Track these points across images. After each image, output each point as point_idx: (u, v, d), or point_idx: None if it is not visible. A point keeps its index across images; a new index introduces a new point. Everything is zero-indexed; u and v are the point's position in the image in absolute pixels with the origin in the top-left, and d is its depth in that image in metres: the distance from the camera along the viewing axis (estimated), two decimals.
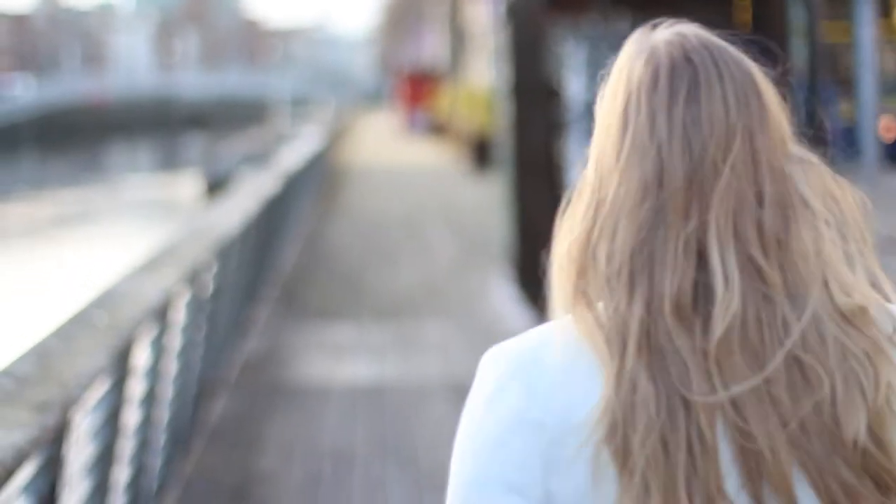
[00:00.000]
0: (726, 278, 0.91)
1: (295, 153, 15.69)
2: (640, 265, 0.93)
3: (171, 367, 5.04)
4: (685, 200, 0.93)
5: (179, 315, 5.15)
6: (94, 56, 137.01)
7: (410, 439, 5.67)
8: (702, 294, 0.92)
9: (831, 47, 15.13)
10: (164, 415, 4.89)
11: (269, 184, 9.60)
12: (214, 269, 6.19)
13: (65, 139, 78.22)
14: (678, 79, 0.96)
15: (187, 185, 39.12)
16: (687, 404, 0.89)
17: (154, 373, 4.57)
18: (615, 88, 0.99)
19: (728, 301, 0.91)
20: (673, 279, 0.92)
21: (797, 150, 0.97)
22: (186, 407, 5.60)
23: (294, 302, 9.51)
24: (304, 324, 8.39)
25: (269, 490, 5.06)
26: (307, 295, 9.88)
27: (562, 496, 0.93)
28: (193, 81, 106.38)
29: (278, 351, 7.81)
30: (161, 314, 4.31)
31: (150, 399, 4.50)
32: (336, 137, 29.88)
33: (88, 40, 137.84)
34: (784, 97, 0.98)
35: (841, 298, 0.93)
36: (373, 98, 79.82)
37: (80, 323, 3.46)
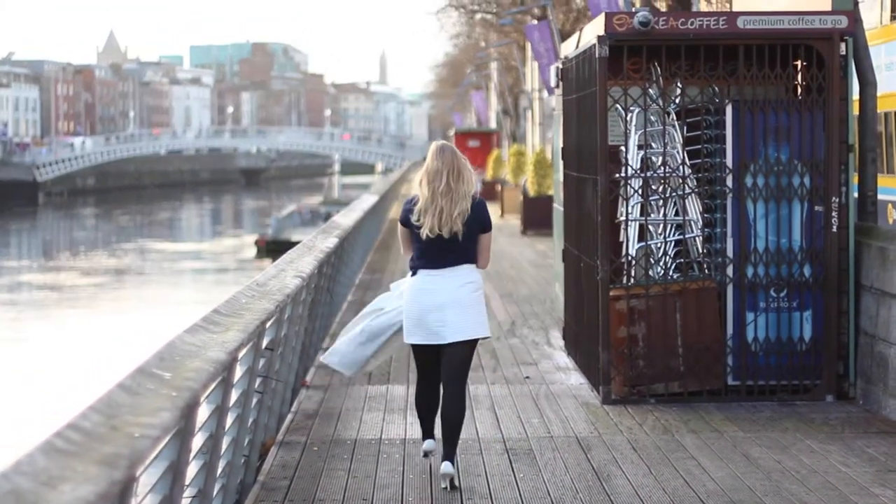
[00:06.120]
0: (448, 188, 5.94)
1: (349, 212, 15.84)
2: (432, 195, 5.93)
3: (230, 422, 5.11)
4: (445, 182, 5.90)
5: (239, 371, 5.22)
6: (154, 110, 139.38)
7: (460, 497, 5.68)
8: (446, 194, 5.93)
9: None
10: (221, 468, 4.95)
11: (325, 242, 9.70)
12: (273, 327, 6.28)
13: (123, 195, 79.27)
14: (439, 153, 5.96)
15: (242, 243, 39.50)
16: (442, 209, 5.90)
17: (214, 428, 4.64)
18: (428, 155, 6.10)
19: (444, 195, 5.92)
20: (437, 189, 5.91)
21: (469, 167, 6.02)
22: (243, 461, 5.66)
23: None
24: (355, 380, 8.44)
25: None
26: None
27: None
28: (250, 139, 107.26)
29: (330, 408, 7.86)
30: (223, 371, 4.38)
31: (209, 453, 4.56)
32: (388, 194, 30.09)
33: (149, 93, 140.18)
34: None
35: (468, 190, 5.94)
36: (425, 154, 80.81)
37: (145, 377, 3.52)
